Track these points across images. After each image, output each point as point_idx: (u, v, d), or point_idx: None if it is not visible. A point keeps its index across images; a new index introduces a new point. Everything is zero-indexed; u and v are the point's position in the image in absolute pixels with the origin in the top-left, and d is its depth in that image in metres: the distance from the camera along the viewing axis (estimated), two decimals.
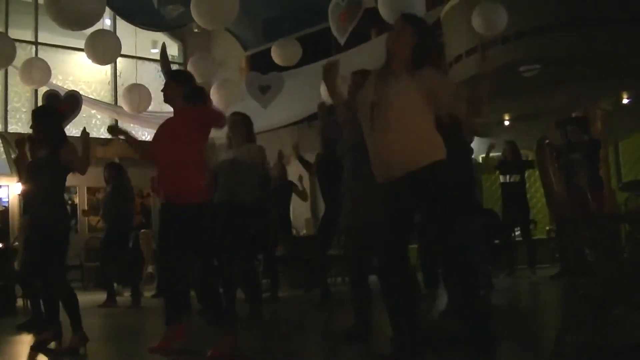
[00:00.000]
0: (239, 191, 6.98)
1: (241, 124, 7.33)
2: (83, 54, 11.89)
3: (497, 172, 11.90)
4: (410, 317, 4.29)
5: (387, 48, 4.40)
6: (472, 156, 7.47)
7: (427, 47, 4.32)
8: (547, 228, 13.82)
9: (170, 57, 13.81)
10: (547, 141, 8.79)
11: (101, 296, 10.41)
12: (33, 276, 6.15)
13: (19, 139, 7.51)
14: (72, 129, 12.79)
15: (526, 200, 11.78)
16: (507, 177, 11.59)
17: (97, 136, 17.74)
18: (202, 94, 6.04)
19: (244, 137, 7.29)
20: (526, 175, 11.93)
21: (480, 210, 8.11)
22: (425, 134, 4.25)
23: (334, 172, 6.95)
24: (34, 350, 5.93)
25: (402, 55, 4.31)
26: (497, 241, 11.17)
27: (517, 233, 12.32)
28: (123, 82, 17.87)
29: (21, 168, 7.28)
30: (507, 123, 14.94)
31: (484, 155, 10.64)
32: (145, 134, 18.53)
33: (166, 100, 5.69)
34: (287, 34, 13.76)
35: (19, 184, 13.31)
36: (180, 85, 5.69)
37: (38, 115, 6.31)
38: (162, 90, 5.71)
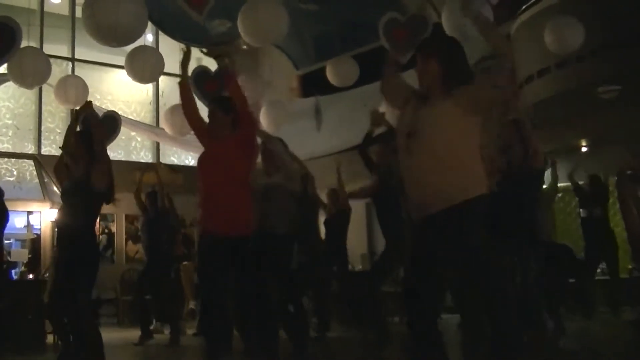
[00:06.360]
0: (272, 220, 6.85)
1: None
2: (123, 72, 12.04)
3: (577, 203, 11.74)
4: None
5: (421, 84, 4.41)
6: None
7: (457, 68, 4.30)
8: (630, 267, 13.55)
9: None
10: (629, 172, 8.69)
11: (138, 332, 10.43)
12: (59, 311, 6.22)
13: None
14: (111, 153, 12.93)
15: (611, 234, 11.51)
16: (588, 211, 11.42)
17: (137, 160, 17.98)
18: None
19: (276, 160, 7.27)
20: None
21: (544, 246, 7.93)
22: (464, 165, 4.20)
23: (391, 201, 6.95)
24: None
25: (435, 85, 4.30)
26: (572, 280, 11.00)
27: (598, 271, 12.09)
28: (165, 102, 18.05)
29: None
30: (584, 149, 14.78)
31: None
32: (188, 158, 18.70)
33: (213, 129, 5.76)
34: (340, 52, 13.76)
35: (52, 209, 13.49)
36: (226, 113, 5.76)
37: (81, 134, 6.47)
38: (208, 116, 5.78)
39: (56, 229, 7.57)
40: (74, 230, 6.10)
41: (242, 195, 5.50)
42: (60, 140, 16.93)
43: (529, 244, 6.69)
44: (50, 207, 15.60)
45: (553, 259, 8.36)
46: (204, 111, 6.00)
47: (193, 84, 12.53)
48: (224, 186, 5.49)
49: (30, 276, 12.31)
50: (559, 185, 10.42)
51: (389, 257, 8.01)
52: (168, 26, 12.54)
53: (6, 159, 16.63)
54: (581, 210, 11.62)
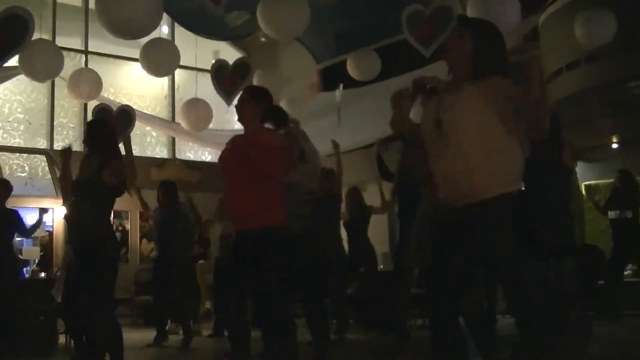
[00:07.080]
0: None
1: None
2: (137, 65, 12.06)
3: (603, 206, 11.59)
4: None
5: (447, 60, 4.32)
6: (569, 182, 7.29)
7: (491, 52, 4.20)
8: None
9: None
10: None
11: (152, 334, 10.42)
12: (74, 311, 6.22)
13: (65, 149, 7.15)
14: None
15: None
16: (618, 212, 11.30)
17: (152, 156, 18.00)
18: (281, 115, 6.07)
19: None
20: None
21: (575, 248, 7.88)
22: (496, 157, 4.09)
23: (414, 200, 6.93)
24: None
25: (463, 65, 4.24)
26: (601, 282, 10.91)
27: (626, 273, 11.99)
28: (181, 97, 18.06)
29: (65, 187, 7.20)
30: (615, 146, 14.66)
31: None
32: (205, 154, 18.71)
33: (241, 120, 5.72)
34: (362, 45, 13.69)
35: (64, 206, 13.50)
36: (259, 104, 5.72)
37: (93, 126, 6.45)
38: (236, 107, 5.73)
39: (68, 227, 7.53)
40: (91, 227, 6.09)
41: (268, 190, 5.47)
42: (72, 134, 16.98)
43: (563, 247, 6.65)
44: (63, 204, 15.61)
45: (580, 261, 8.31)
46: (218, 107, 5.99)
47: (213, 78, 12.60)
48: (248, 182, 5.48)
49: (42, 275, 12.32)
50: (588, 183, 10.39)
51: (406, 254, 7.99)
52: (186, 19, 12.54)
53: (18, 155, 16.67)
54: (609, 211, 11.49)
